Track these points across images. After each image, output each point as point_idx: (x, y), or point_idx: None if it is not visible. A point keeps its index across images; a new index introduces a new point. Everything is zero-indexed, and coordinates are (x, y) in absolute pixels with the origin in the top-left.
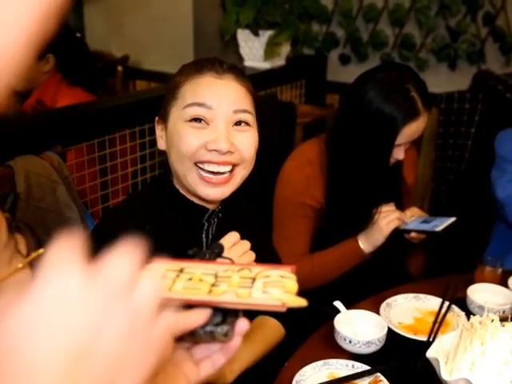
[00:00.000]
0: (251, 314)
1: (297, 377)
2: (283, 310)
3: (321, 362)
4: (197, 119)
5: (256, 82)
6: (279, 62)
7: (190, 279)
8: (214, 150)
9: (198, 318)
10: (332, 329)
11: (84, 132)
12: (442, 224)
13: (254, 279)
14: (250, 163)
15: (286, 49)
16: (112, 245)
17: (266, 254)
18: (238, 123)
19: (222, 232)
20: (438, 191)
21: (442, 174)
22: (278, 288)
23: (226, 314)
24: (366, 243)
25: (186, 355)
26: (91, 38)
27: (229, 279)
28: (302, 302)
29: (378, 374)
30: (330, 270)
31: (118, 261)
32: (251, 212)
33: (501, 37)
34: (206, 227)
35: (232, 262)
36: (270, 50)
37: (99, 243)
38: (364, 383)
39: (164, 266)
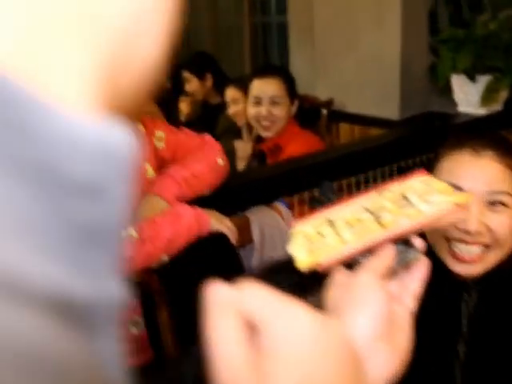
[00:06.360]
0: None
1: None
2: (463, 210)
3: None
4: None
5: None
6: (496, 107)
7: (348, 223)
8: (464, 230)
9: (390, 255)
10: None
11: (307, 181)
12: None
13: (404, 197)
14: (504, 244)
15: (503, 94)
16: None
17: None
18: (493, 203)
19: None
20: None
21: None
22: (435, 194)
23: (405, 240)
24: None
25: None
26: (296, 83)
27: (384, 208)
28: (465, 196)
29: None
30: None
31: None
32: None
33: None
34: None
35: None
36: (488, 96)
37: None
38: None
39: (309, 226)
